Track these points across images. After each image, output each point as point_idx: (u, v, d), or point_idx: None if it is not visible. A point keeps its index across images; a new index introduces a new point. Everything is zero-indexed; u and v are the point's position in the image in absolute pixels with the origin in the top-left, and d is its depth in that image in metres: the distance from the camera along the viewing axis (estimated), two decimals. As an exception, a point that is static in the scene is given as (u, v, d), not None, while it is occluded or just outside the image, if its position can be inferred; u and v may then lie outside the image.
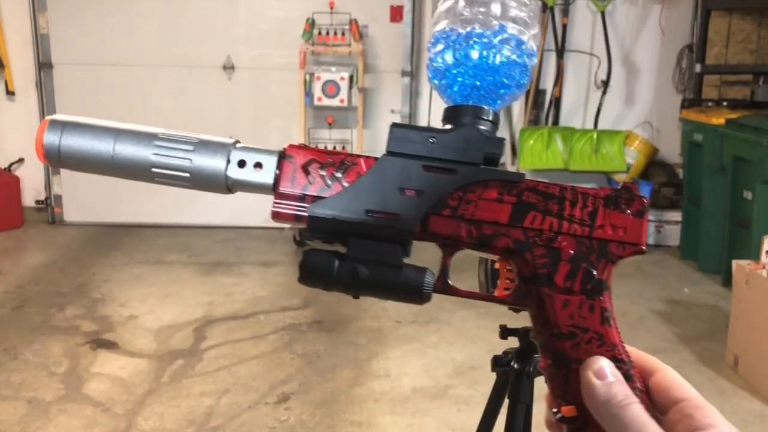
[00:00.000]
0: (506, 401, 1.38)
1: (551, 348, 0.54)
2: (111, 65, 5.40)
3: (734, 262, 3.29)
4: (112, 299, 3.98)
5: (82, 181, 5.56)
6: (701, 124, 4.64)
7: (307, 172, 0.56)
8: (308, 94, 5.00)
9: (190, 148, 0.56)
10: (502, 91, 0.58)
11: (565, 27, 5.44)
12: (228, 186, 0.56)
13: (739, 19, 5.37)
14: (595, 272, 0.54)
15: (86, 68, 5.42)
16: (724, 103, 5.07)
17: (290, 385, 3.01)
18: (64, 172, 5.58)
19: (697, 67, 5.15)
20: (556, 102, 5.54)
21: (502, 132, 5.61)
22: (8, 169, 5.62)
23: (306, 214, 0.55)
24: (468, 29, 0.57)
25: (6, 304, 3.89)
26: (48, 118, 0.58)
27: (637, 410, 0.47)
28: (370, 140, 5.47)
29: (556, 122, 5.55)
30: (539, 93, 5.58)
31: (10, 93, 5.56)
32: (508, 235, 0.55)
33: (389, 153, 0.56)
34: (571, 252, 0.54)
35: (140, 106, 5.47)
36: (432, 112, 5.54)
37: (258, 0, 5.35)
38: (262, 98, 5.47)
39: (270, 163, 0.56)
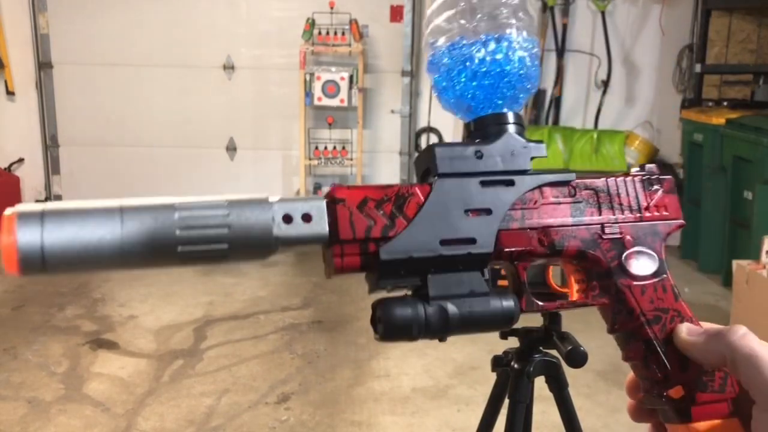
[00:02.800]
0: (506, 401, 1.38)
1: (642, 337, 0.54)
2: (111, 65, 5.40)
3: (734, 262, 3.29)
4: (112, 299, 3.98)
5: (82, 181, 5.57)
6: (701, 124, 4.63)
7: (364, 213, 0.49)
8: (308, 94, 5.00)
9: (223, 212, 0.46)
10: (522, 94, 0.57)
11: (565, 27, 5.44)
12: (274, 248, 0.48)
13: (739, 19, 5.37)
14: (655, 254, 0.56)
15: (86, 68, 5.42)
16: (725, 103, 5.06)
17: (290, 385, 3.01)
18: (64, 171, 5.58)
19: (698, 67, 5.15)
20: (556, 102, 5.54)
21: (502, 132, 5.60)
22: (8, 169, 5.62)
23: (378, 258, 0.49)
24: (485, 36, 0.55)
25: (6, 304, 3.89)
26: (11, 212, 0.42)
27: (743, 329, 0.49)
28: (370, 140, 5.47)
29: (556, 122, 5.55)
30: (539, 93, 5.57)
31: (10, 93, 5.56)
32: (575, 236, 0.54)
33: (440, 175, 0.52)
34: (632, 239, 0.55)
35: (140, 106, 5.48)
36: (432, 112, 5.54)
37: (258, 0, 5.35)
38: (262, 98, 5.47)
39: (320, 211, 0.48)
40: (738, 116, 4.41)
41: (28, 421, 2.70)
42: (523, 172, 0.53)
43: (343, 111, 5.27)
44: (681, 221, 0.57)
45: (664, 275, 0.56)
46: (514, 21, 0.55)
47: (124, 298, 3.98)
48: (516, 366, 1.34)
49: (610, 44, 5.37)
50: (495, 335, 1.34)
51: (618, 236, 0.55)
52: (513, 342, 1.35)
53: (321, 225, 0.48)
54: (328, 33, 5.03)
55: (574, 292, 0.57)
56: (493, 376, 1.43)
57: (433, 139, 5.66)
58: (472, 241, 0.51)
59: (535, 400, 1.37)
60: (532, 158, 0.54)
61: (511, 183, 0.53)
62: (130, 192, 5.49)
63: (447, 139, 5.66)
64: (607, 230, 0.54)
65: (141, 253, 0.45)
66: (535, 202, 0.53)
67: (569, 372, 1.31)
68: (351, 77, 5.03)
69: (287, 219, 0.47)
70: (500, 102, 0.56)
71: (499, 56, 0.55)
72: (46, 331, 3.52)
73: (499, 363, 1.39)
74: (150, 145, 5.53)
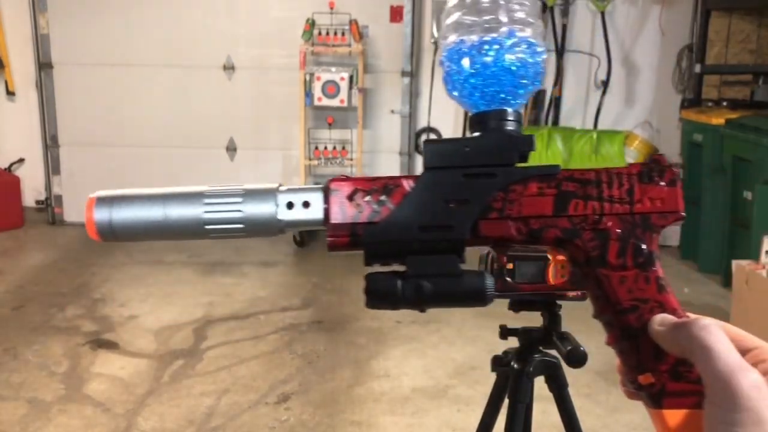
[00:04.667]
0: (506, 401, 1.38)
1: (617, 324, 0.57)
2: (111, 65, 5.40)
3: (734, 262, 3.29)
4: (112, 299, 3.98)
5: (82, 181, 5.57)
6: (701, 124, 4.64)
7: (354, 202, 0.58)
8: (308, 94, 5.00)
9: (239, 199, 0.58)
10: (520, 90, 0.60)
11: (565, 27, 5.45)
12: (280, 228, 0.58)
13: (739, 19, 5.37)
14: (643, 246, 0.57)
15: (86, 68, 5.42)
16: (724, 103, 5.06)
17: (290, 385, 3.01)
18: (64, 171, 5.59)
19: (697, 67, 5.15)
20: (556, 102, 5.55)
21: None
22: (8, 169, 5.62)
23: (361, 241, 0.57)
24: (479, 38, 0.59)
25: (6, 304, 3.89)
26: (93, 196, 0.59)
27: (706, 320, 0.50)
28: (370, 140, 5.48)
29: (556, 122, 5.55)
30: (539, 93, 5.57)
31: (10, 93, 5.56)
32: (556, 225, 0.57)
33: (427, 168, 0.58)
34: (618, 230, 0.57)
35: (140, 106, 5.48)
36: (432, 111, 5.54)
37: (258, 0, 5.35)
38: (262, 98, 5.47)
39: (317, 199, 0.58)
40: (738, 116, 4.42)
41: (28, 421, 2.70)
42: (508, 165, 0.58)
43: (343, 111, 5.27)
44: (680, 213, 0.58)
45: (653, 267, 0.56)
46: (510, 23, 0.59)
47: (124, 298, 3.99)
48: (516, 366, 1.34)
49: (609, 44, 5.37)
50: (495, 335, 1.35)
51: (602, 227, 0.57)
52: (513, 342, 1.35)
53: (317, 211, 0.58)
54: (328, 33, 5.03)
55: (558, 278, 0.61)
56: (493, 376, 1.43)
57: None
58: (449, 227, 0.57)
59: (535, 400, 1.38)
60: (520, 152, 0.58)
61: (493, 175, 0.57)
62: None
63: (447, 139, 5.66)
64: (590, 221, 0.57)
65: (179, 229, 0.58)
66: (518, 194, 0.57)
67: (569, 372, 1.32)
68: (351, 77, 5.03)
69: (290, 205, 0.58)
70: (500, 99, 0.60)
71: (489, 58, 0.59)
72: (46, 331, 3.52)
73: (499, 363, 1.39)
74: (150, 145, 5.53)
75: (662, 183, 0.58)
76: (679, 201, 0.58)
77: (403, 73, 5.40)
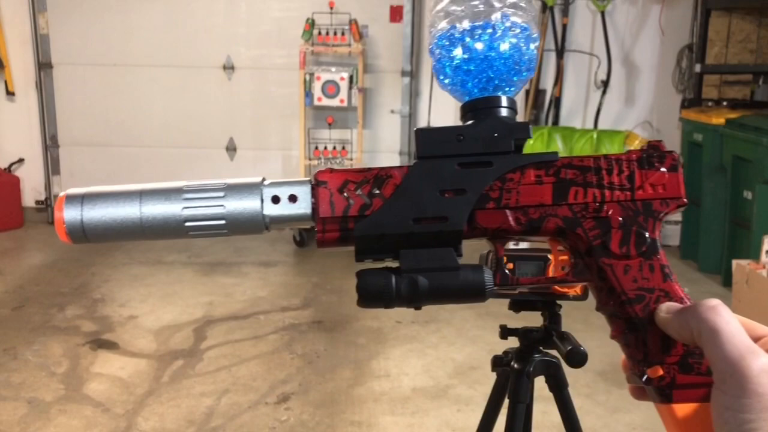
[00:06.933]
0: (506, 401, 1.38)
1: (623, 315, 0.54)
2: (111, 65, 5.40)
3: (734, 262, 3.29)
4: (112, 299, 3.98)
5: (82, 182, 5.55)
6: (701, 124, 4.64)
7: (343, 194, 0.55)
8: (308, 94, 5.00)
9: (221, 194, 0.54)
10: (515, 77, 0.58)
11: (565, 27, 5.45)
12: (266, 224, 0.55)
13: (739, 19, 5.37)
14: (646, 233, 0.55)
15: (86, 68, 5.42)
16: (724, 103, 5.06)
17: (290, 385, 3.01)
18: (64, 171, 5.59)
19: (697, 67, 5.15)
20: (556, 102, 5.54)
21: (502, 132, 5.61)
22: (8, 169, 5.62)
23: (353, 235, 0.54)
24: (471, 23, 0.57)
25: (6, 304, 3.88)
26: (63, 193, 0.55)
27: (714, 301, 0.47)
28: (370, 140, 5.47)
29: (556, 122, 5.55)
30: (539, 93, 5.57)
31: (10, 93, 5.56)
32: (555, 214, 0.55)
33: (420, 158, 0.55)
34: (620, 218, 0.55)
35: (140, 107, 5.48)
36: (432, 111, 5.54)
37: (258, 0, 5.35)
38: (262, 98, 5.47)
39: (304, 193, 0.55)
40: (738, 116, 4.41)
41: (28, 422, 2.70)
42: (505, 153, 0.55)
43: (343, 111, 5.27)
44: (682, 200, 0.56)
45: (657, 255, 0.54)
46: (503, 8, 0.57)
47: (124, 298, 3.98)
48: (516, 366, 1.34)
49: (609, 44, 5.37)
50: (495, 335, 1.35)
51: (603, 215, 0.55)
52: (513, 342, 1.35)
53: (305, 205, 0.55)
54: (327, 33, 5.03)
55: (558, 269, 0.58)
56: (493, 376, 1.43)
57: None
58: (443, 219, 0.54)
59: (535, 400, 1.37)
60: (516, 140, 0.56)
61: (489, 164, 0.55)
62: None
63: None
64: (591, 209, 0.55)
65: (157, 228, 0.54)
66: (515, 183, 0.55)
67: (569, 372, 1.32)
68: (351, 77, 5.02)
69: (275, 200, 0.55)
70: (494, 86, 0.58)
71: (480, 45, 0.57)
72: (46, 331, 3.52)
73: (499, 363, 1.39)
74: (150, 146, 5.53)
75: (663, 168, 0.55)
76: (680, 187, 0.56)
77: (403, 73, 5.40)
